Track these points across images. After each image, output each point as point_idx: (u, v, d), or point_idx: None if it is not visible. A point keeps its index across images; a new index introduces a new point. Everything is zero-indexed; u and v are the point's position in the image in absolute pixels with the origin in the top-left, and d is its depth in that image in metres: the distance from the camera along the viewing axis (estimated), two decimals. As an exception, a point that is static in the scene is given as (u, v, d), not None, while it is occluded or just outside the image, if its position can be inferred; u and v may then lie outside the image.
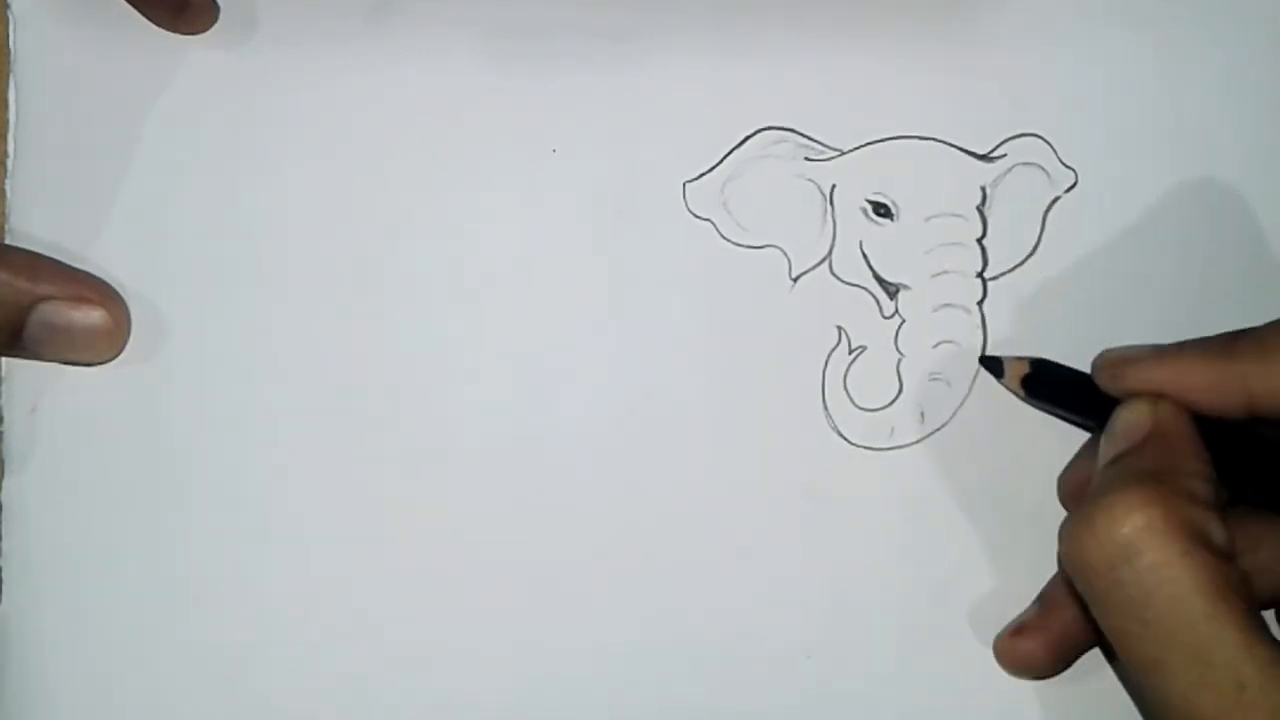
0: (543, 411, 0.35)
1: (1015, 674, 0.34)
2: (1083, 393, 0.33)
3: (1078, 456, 0.35)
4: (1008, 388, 0.35)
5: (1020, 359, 0.35)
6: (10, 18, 0.35)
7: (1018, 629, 0.34)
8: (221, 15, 0.36)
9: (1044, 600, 0.34)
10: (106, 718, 0.35)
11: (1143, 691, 0.28)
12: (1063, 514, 0.35)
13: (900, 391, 0.36)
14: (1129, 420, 0.30)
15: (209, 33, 0.36)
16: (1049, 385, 0.34)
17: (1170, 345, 0.32)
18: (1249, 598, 0.27)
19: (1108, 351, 0.32)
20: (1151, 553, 0.26)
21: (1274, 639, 0.27)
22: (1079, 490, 0.34)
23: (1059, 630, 0.34)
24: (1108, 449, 0.31)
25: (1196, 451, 0.29)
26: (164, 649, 0.35)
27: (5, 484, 0.35)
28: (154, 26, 0.35)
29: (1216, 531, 0.27)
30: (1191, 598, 0.26)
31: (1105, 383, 0.32)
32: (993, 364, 0.35)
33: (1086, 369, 0.34)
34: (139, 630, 0.35)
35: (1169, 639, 0.26)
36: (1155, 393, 0.31)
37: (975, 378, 0.36)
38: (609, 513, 0.35)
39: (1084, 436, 0.35)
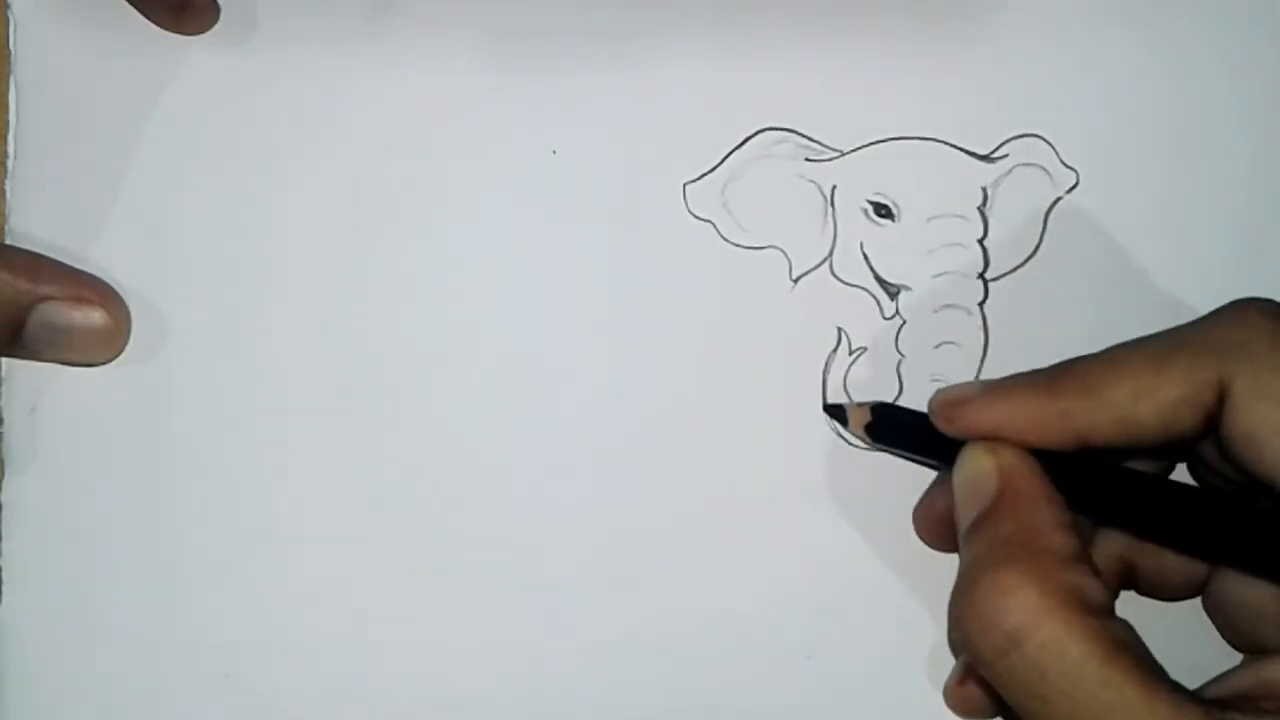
0: (543, 411, 0.35)
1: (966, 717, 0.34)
2: (927, 435, 0.32)
3: (932, 487, 0.34)
4: (854, 434, 0.35)
5: (861, 405, 0.34)
6: (10, 18, 0.35)
7: (961, 676, 0.33)
8: (221, 15, 0.36)
9: None
10: (106, 718, 0.35)
11: None
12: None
13: (901, 392, 0.36)
14: (975, 474, 0.30)
15: (209, 33, 0.36)
16: (893, 430, 0.34)
17: (999, 381, 0.31)
18: (1137, 646, 0.27)
19: (940, 392, 0.32)
20: (1036, 633, 0.26)
21: (1173, 683, 0.27)
22: (935, 525, 0.33)
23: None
24: (964, 509, 0.30)
25: (1050, 498, 0.29)
26: (164, 649, 0.35)
27: (5, 484, 0.35)
28: (154, 26, 0.35)
29: (1090, 588, 0.27)
30: (1084, 668, 0.26)
31: (942, 426, 0.31)
32: (836, 412, 0.35)
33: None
34: (139, 630, 0.35)
35: (1072, 713, 0.26)
36: (991, 435, 0.30)
37: (977, 378, 0.36)
38: (609, 513, 0.35)
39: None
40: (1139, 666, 0.26)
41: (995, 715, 0.34)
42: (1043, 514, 0.29)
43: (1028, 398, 0.30)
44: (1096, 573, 0.28)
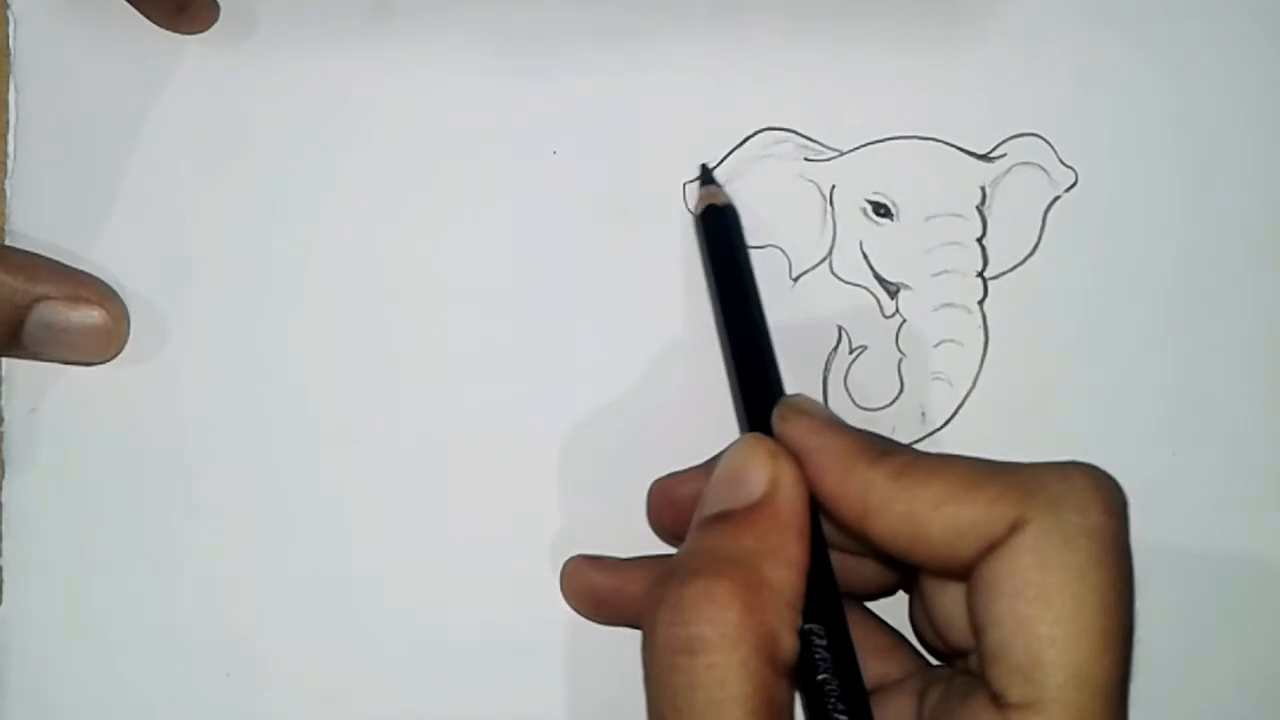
0: (543, 410, 0.35)
1: (573, 601, 0.34)
2: (759, 393, 0.32)
3: (685, 472, 0.34)
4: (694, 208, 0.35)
5: (716, 190, 0.35)
6: (10, 18, 0.35)
7: (597, 562, 0.33)
8: (221, 15, 0.36)
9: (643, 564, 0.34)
10: (107, 718, 0.35)
11: None
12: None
13: (901, 391, 0.36)
14: (747, 469, 0.28)
15: (209, 33, 0.36)
16: (720, 236, 0.34)
17: (841, 422, 0.30)
18: (784, 715, 0.27)
19: (794, 396, 0.31)
20: (712, 654, 0.26)
21: None
22: (666, 509, 0.33)
23: (632, 587, 0.34)
24: (716, 494, 0.29)
25: (802, 533, 0.28)
26: (164, 649, 0.35)
27: (6, 484, 0.35)
28: (154, 26, 0.35)
29: (786, 643, 0.27)
30: (729, 708, 0.26)
31: (775, 419, 0.30)
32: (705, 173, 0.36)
33: (1088, 369, 0.34)
34: (139, 630, 0.35)
35: None
36: (791, 450, 0.29)
37: (976, 377, 0.36)
38: (609, 513, 0.35)
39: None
40: None
41: (595, 615, 0.34)
42: (789, 547, 0.28)
43: (850, 451, 0.28)
44: (798, 628, 0.27)
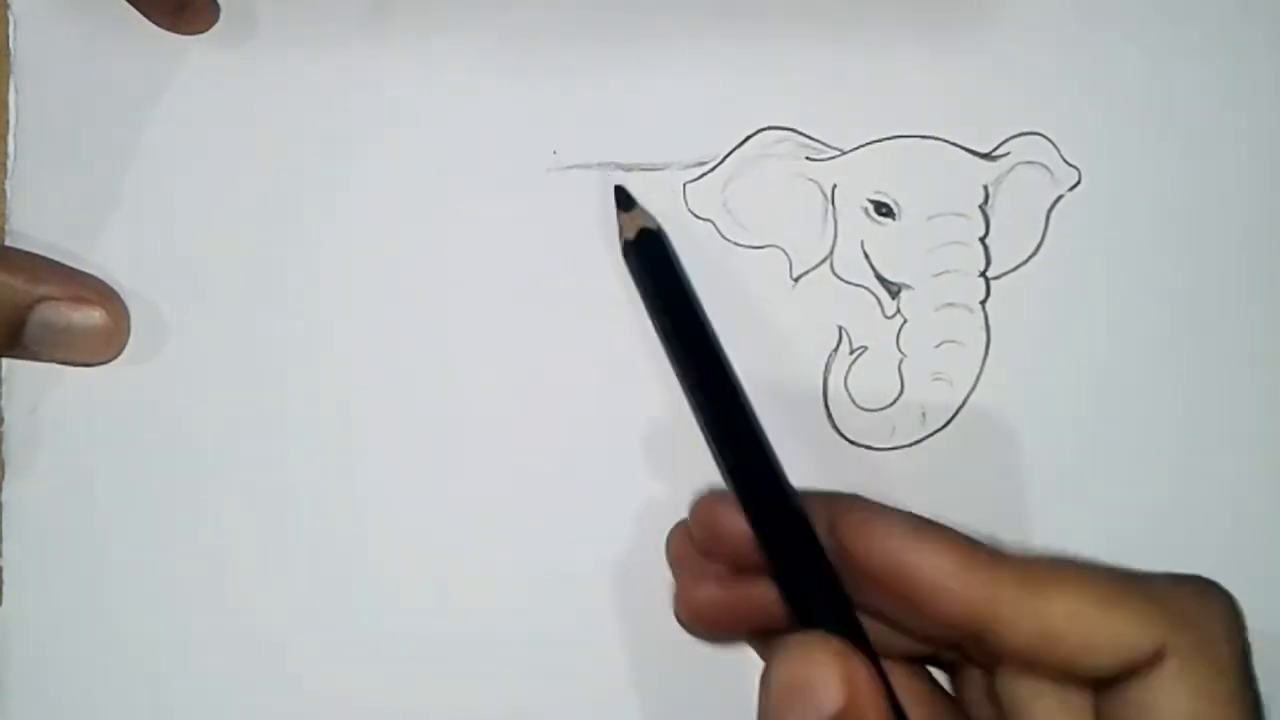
0: (542, 410, 0.35)
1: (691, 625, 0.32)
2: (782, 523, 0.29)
3: (706, 508, 0.31)
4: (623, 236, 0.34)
5: (640, 214, 0.34)
6: (10, 18, 0.35)
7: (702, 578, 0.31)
8: (221, 15, 0.36)
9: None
10: (107, 718, 0.35)
11: None
12: (1067, 525, 0.35)
13: (902, 391, 0.36)
14: (814, 680, 0.26)
15: (209, 33, 0.36)
16: (651, 267, 0.33)
17: (930, 523, 0.28)
18: None
19: (855, 500, 0.29)
20: None
21: None
22: (687, 561, 0.32)
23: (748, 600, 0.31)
24: (782, 712, 0.26)
25: None
26: (165, 649, 0.35)
27: (5, 485, 0.35)
28: (154, 26, 0.35)
29: None
30: None
31: (849, 537, 0.28)
32: (621, 195, 0.34)
33: (1090, 372, 0.34)
34: (140, 631, 0.35)
35: None
36: (895, 579, 0.27)
37: (977, 378, 0.36)
38: (609, 513, 0.35)
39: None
40: None
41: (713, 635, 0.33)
42: None
43: (962, 562, 0.27)
44: None
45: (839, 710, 0.25)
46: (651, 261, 0.34)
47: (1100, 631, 0.27)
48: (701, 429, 0.33)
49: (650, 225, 0.34)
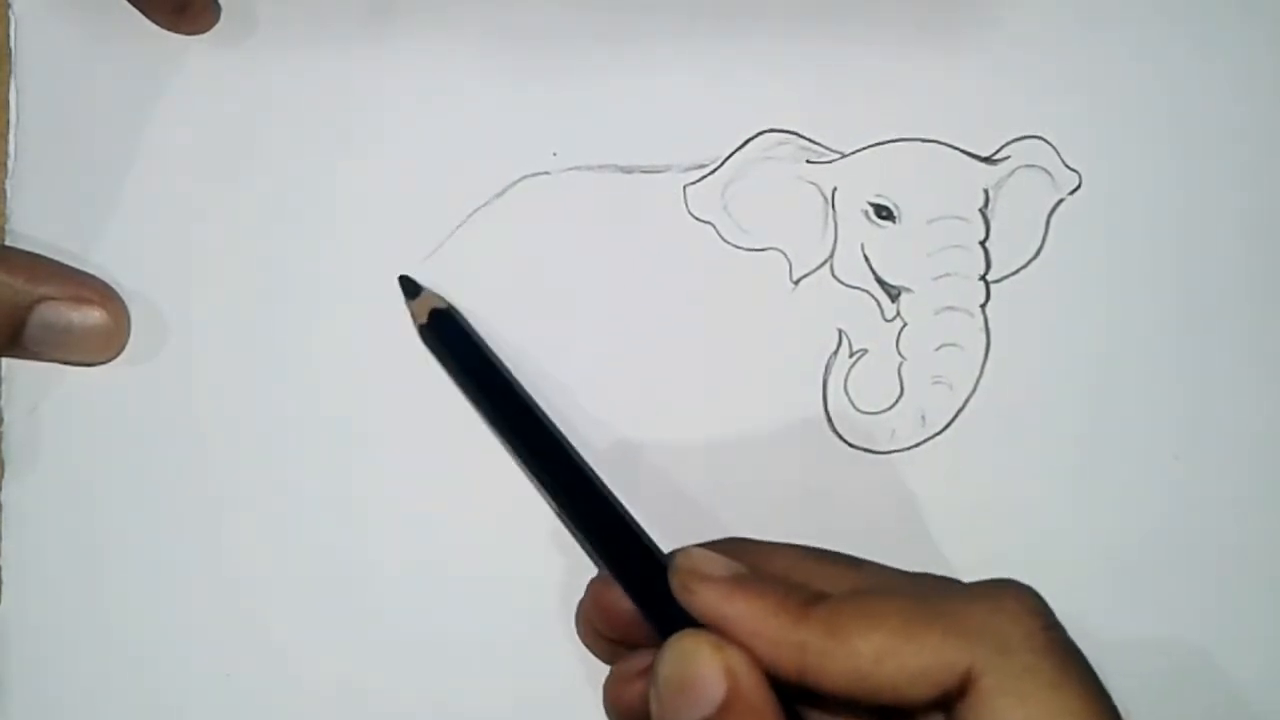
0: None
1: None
2: (650, 584, 0.30)
3: (624, 665, 0.32)
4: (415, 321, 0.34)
5: (430, 298, 0.34)
6: (10, 17, 0.35)
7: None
8: (221, 15, 0.36)
9: None
10: (106, 717, 0.35)
11: None
12: (1067, 526, 0.35)
13: (901, 395, 0.36)
14: (696, 672, 0.27)
15: (209, 33, 0.36)
16: (449, 342, 0.34)
17: (748, 577, 0.29)
18: None
19: (685, 555, 0.29)
20: None
21: None
22: (630, 714, 0.32)
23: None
24: (672, 708, 0.27)
25: (778, 715, 0.27)
26: (164, 649, 0.35)
27: (5, 484, 0.35)
28: (154, 26, 0.35)
29: None
30: None
31: (677, 590, 0.29)
32: (407, 284, 0.35)
33: (1090, 375, 0.34)
34: (139, 630, 0.35)
35: None
36: (717, 626, 0.28)
37: (977, 381, 0.36)
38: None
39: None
40: None
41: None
42: None
43: (772, 611, 0.28)
44: None
45: (724, 699, 0.27)
46: (449, 339, 0.34)
47: (909, 665, 0.27)
48: (538, 490, 0.34)
49: (440, 305, 0.34)
